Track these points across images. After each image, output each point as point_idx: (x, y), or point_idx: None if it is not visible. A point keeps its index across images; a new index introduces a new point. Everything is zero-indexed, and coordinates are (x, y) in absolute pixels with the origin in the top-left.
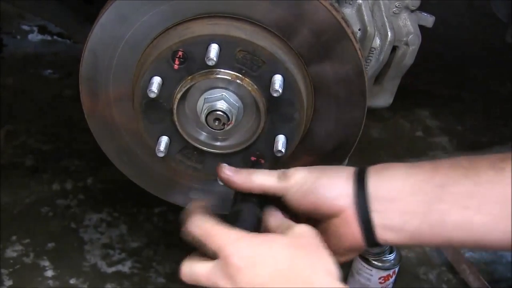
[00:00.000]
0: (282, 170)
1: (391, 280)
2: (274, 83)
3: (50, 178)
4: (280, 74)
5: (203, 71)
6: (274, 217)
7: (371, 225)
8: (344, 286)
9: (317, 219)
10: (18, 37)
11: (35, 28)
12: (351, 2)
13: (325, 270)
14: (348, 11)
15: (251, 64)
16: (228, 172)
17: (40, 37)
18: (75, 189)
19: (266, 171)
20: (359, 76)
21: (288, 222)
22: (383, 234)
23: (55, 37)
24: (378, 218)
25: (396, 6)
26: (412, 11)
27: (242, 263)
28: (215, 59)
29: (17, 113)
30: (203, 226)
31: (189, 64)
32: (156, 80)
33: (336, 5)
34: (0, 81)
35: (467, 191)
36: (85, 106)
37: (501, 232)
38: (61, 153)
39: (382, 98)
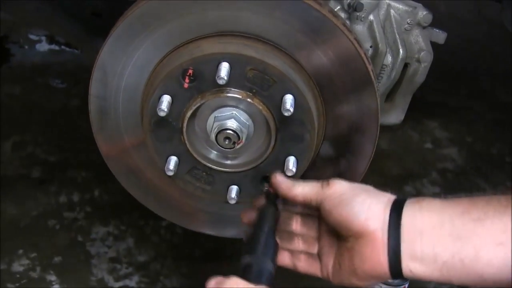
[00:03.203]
0: (326, 180)
1: None
2: (286, 103)
3: (57, 190)
4: (291, 93)
5: (214, 89)
6: None
7: (399, 254)
8: None
9: (343, 234)
10: (26, 46)
11: (43, 38)
12: (362, 19)
13: None
14: (360, 28)
15: (261, 83)
16: (279, 178)
17: (47, 46)
18: (82, 201)
19: (309, 181)
20: (372, 96)
21: None
22: (410, 264)
23: (62, 46)
24: (408, 248)
25: (407, 23)
26: (424, 27)
27: None
28: (225, 77)
29: (24, 123)
30: None
31: (199, 82)
32: (166, 99)
33: (347, 24)
34: (7, 91)
35: (503, 227)
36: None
37: None
38: (68, 164)
39: (394, 115)
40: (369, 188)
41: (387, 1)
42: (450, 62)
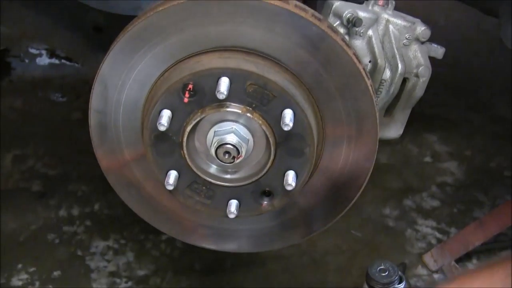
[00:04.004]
0: None
1: None
2: (285, 117)
3: (57, 203)
4: (290, 108)
5: (214, 104)
6: None
7: None
8: None
9: None
10: (26, 60)
11: (43, 52)
12: (361, 34)
13: None
14: (359, 43)
15: (261, 98)
16: None
17: (48, 60)
18: (82, 215)
19: None
20: (371, 112)
21: None
22: None
23: (63, 60)
24: None
25: (406, 38)
26: (423, 42)
27: None
28: (225, 92)
29: (25, 137)
30: None
31: (199, 97)
32: (166, 113)
33: (346, 39)
34: (8, 104)
35: None
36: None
37: None
38: (68, 178)
39: (393, 129)
40: None
41: (386, 17)
42: (449, 74)
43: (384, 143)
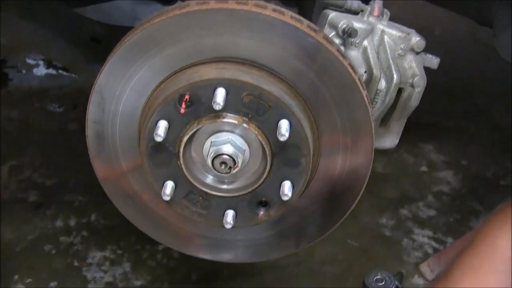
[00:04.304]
0: None
1: None
2: (281, 128)
3: (53, 214)
4: (286, 118)
5: (210, 115)
6: None
7: None
8: None
9: None
10: (24, 71)
11: (41, 62)
12: (356, 45)
13: None
14: (354, 53)
15: (257, 108)
16: None
17: (45, 71)
18: (78, 225)
19: None
20: (366, 122)
21: None
22: None
23: (60, 71)
24: None
25: (401, 48)
26: (418, 53)
27: None
28: (221, 103)
29: (22, 147)
30: None
31: (195, 108)
32: (163, 124)
33: (342, 49)
34: (5, 115)
35: None
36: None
37: None
38: (65, 189)
39: (389, 139)
40: None
41: (381, 27)
42: (445, 83)
43: (380, 152)
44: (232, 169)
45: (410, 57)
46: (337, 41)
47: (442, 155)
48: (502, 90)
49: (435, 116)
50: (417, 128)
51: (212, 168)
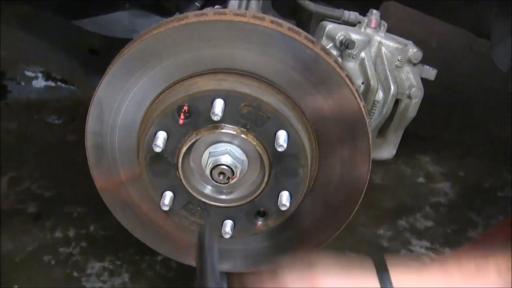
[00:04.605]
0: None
1: None
2: (279, 138)
3: (52, 225)
4: (284, 129)
5: (208, 125)
6: None
7: None
8: None
9: None
10: (22, 83)
11: (39, 74)
12: (354, 56)
13: None
14: (352, 65)
15: (255, 119)
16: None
17: (44, 83)
18: (77, 236)
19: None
20: (364, 133)
21: None
22: None
23: (58, 83)
24: None
25: (398, 60)
26: (414, 64)
27: None
28: (220, 114)
29: (20, 159)
30: None
31: (194, 118)
32: (162, 135)
33: (339, 61)
34: (4, 127)
35: None
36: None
37: None
38: (63, 200)
39: (386, 150)
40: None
41: (378, 39)
42: (442, 95)
43: (378, 163)
44: (230, 180)
45: (407, 68)
46: (334, 52)
47: (439, 167)
48: (499, 101)
49: (432, 128)
50: (415, 139)
51: (211, 178)
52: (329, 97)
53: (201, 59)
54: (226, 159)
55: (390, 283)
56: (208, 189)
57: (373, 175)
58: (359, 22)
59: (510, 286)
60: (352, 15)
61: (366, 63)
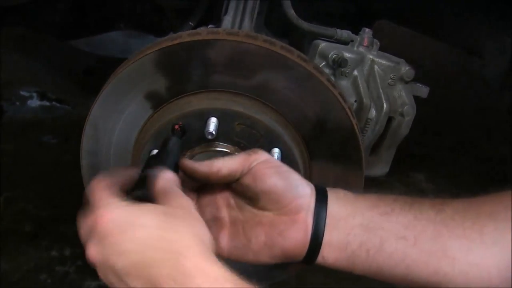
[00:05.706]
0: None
1: None
2: (272, 156)
3: (48, 244)
4: (277, 147)
5: (202, 144)
6: (164, 181)
7: (321, 239)
8: (214, 261)
9: (267, 207)
10: (18, 103)
11: (34, 94)
12: (347, 74)
13: (198, 243)
14: (344, 83)
15: (249, 137)
16: (190, 163)
17: (39, 102)
18: (73, 255)
19: (228, 156)
20: (357, 150)
21: (173, 190)
22: (325, 251)
23: (54, 102)
24: (327, 235)
25: (391, 78)
26: (407, 82)
27: (111, 227)
28: (214, 132)
29: (16, 179)
30: (96, 185)
31: (188, 137)
32: None
33: (332, 79)
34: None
35: (407, 223)
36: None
37: (431, 271)
38: (59, 219)
39: (379, 167)
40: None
41: (371, 57)
42: (434, 114)
43: (372, 181)
44: None
45: (399, 86)
46: (327, 71)
47: (432, 184)
48: (490, 121)
49: (425, 147)
50: (408, 158)
51: None
52: (322, 115)
53: (195, 78)
54: None
55: None
56: None
57: (366, 192)
58: (352, 41)
59: (510, 286)
60: (344, 33)
61: (359, 81)
